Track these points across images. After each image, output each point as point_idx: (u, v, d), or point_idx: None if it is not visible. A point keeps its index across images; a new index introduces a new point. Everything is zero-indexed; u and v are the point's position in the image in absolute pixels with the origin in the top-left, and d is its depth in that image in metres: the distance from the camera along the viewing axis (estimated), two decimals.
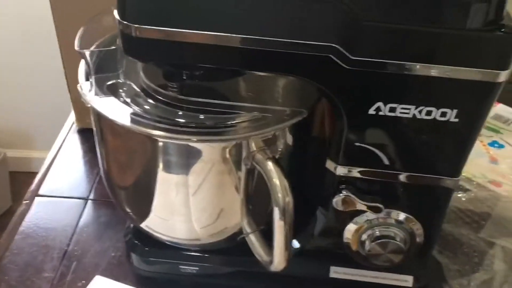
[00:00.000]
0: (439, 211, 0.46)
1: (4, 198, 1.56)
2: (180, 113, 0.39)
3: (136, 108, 0.40)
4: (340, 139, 0.42)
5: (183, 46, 0.37)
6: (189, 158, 0.40)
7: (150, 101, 0.41)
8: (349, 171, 0.43)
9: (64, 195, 0.63)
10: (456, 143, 0.41)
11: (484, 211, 0.59)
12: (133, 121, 0.38)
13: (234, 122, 0.38)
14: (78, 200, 0.63)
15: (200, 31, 0.36)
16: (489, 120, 0.77)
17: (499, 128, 0.76)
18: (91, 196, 0.63)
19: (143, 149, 0.41)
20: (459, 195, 0.60)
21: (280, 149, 0.41)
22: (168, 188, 0.42)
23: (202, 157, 0.39)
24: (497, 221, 0.56)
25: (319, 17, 0.35)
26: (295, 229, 0.42)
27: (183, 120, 0.39)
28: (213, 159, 0.39)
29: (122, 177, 0.46)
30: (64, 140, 0.72)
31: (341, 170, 0.43)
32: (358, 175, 0.43)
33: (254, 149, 0.38)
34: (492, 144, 0.73)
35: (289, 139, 0.41)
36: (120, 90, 0.42)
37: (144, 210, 0.45)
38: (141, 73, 0.44)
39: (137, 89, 0.42)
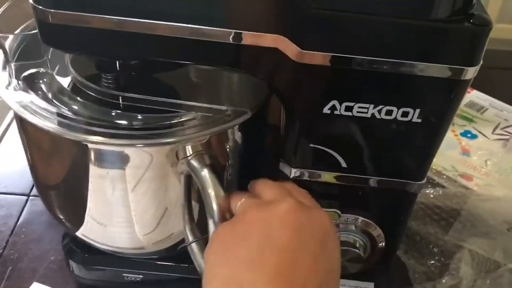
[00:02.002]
0: (402, 216, 0.42)
1: None
2: (105, 111, 0.34)
3: (55, 105, 0.35)
4: (293, 140, 0.37)
5: (106, 34, 0.32)
6: (118, 163, 0.35)
7: (74, 96, 0.36)
8: (304, 174, 0.39)
9: (3, 191, 0.58)
10: (419, 145, 0.37)
11: (454, 208, 0.56)
12: (46, 120, 0.33)
13: (168, 123, 0.34)
14: (19, 196, 0.58)
15: (124, 17, 0.31)
16: (462, 107, 0.74)
17: (472, 116, 0.73)
18: (33, 192, 0.58)
19: (65, 152, 0.36)
20: (427, 191, 0.57)
21: (222, 152, 0.37)
22: (101, 194, 0.38)
23: (132, 162, 0.34)
24: (466, 220, 0.53)
25: (263, 4, 0.31)
26: None
27: (106, 120, 0.34)
28: (147, 164, 0.35)
29: (48, 182, 0.41)
30: (4, 133, 0.66)
31: (295, 173, 0.39)
32: (313, 179, 0.39)
33: (190, 153, 0.33)
34: (465, 134, 0.69)
35: (233, 140, 0.37)
36: (40, 81, 0.37)
37: (77, 219, 0.40)
38: (68, 62, 0.39)
39: (60, 81, 0.37)
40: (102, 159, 0.35)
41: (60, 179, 0.39)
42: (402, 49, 0.32)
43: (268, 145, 0.41)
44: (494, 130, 0.70)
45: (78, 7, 0.31)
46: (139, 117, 0.34)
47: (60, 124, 0.33)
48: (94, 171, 0.35)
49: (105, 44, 0.33)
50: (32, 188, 0.59)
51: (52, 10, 0.31)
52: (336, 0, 0.30)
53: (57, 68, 0.39)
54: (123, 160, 0.35)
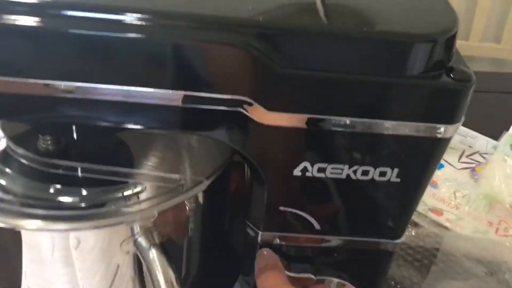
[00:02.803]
0: (379, 274, 0.39)
1: None
2: (41, 187, 0.30)
3: None
4: (261, 203, 0.34)
5: (42, 100, 0.27)
6: (56, 246, 0.30)
7: (3, 167, 0.31)
8: (274, 238, 0.36)
9: None
10: (397, 204, 0.34)
11: (427, 248, 0.53)
12: None
13: (112, 197, 0.29)
14: None
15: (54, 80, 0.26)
16: None
17: None
18: None
19: None
20: None
21: (176, 226, 0.32)
22: (39, 278, 0.33)
23: (70, 244, 0.30)
24: (442, 262, 0.51)
25: (223, 65, 0.27)
26: None
27: (42, 198, 0.29)
28: (88, 246, 0.30)
29: None
30: None
31: (264, 237, 0.36)
32: (284, 242, 0.36)
33: (138, 231, 0.29)
34: None
35: (190, 211, 0.33)
36: None
37: None
38: None
39: None
40: (37, 242, 0.30)
41: None
42: (376, 108, 0.29)
43: (233, 209, 0.37)
44: (459, 158, 0.69)
45: (8, 72, 0.26)
46: (80, 192, 0.29)
47: None
48: (29, 255, 0.30)
49: (40, 110, 0.28)
50: None
51: None
52: (304, 59, 0.27)
53: None
54: (61, 243, 0.30)
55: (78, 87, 0.27)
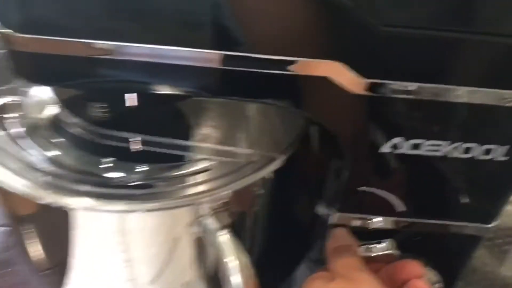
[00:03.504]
0: (463, 260, 0.35)
1: None
2: (94, 161, 0.26)
3: (27, 152, 0.27)
4: (338, 182, 0.30)
5: (95, 63, 0.23)
6: (110, 228, 0.27)
7: (54, 136, 0.28)
8: (349, 220, 0.32)
9: None
10: (498, 185, 0.30)
11: (500, 227, 0.49)
12: (15, 174, 0.25)
13: (176, 175, 0.26)
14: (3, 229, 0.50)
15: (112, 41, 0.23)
16: None
17: None
18: None
19: (42, 213, 0.28)
20: None
21: (244, 207, 0.29)
22: (90, 258, 0.30)
23: (127, 227, 0.27)
24: None
25: (313, 25, 0.22)
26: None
27: (95, 173, 0.26)
28: (146, 228, 0.27)
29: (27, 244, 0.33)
30: None
31: (337, 218, 0.32)
32: (360, 223, 0.32)
33: (206, 212, 0.26)
34: None
35: (259, 187, 0.29)
36: (11, 117, 0.29)
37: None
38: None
39: (36, 116, 0.29)
40: (89, 223, 0.27)
41: (42, 238, 0.31)
42: (494, 75, 0.24)
43: (303, 187, 0.34)
44: None
45: (54, 31, 0.22)
46: (138, 169, 0.26)
47: (33, 182, 0.25)
48: (79, 236, 0.28)
49: (94, 74, 0.24)
50: None
51: (27, 36, 0.23)
52: (408, 15, 0.22)
53: (34, 96, 0.31)
54: (116, 225, 0.27)
55: (143, 49, 0.23)
